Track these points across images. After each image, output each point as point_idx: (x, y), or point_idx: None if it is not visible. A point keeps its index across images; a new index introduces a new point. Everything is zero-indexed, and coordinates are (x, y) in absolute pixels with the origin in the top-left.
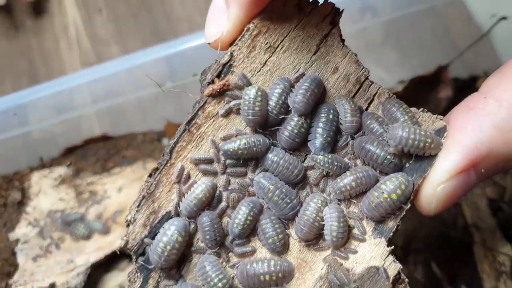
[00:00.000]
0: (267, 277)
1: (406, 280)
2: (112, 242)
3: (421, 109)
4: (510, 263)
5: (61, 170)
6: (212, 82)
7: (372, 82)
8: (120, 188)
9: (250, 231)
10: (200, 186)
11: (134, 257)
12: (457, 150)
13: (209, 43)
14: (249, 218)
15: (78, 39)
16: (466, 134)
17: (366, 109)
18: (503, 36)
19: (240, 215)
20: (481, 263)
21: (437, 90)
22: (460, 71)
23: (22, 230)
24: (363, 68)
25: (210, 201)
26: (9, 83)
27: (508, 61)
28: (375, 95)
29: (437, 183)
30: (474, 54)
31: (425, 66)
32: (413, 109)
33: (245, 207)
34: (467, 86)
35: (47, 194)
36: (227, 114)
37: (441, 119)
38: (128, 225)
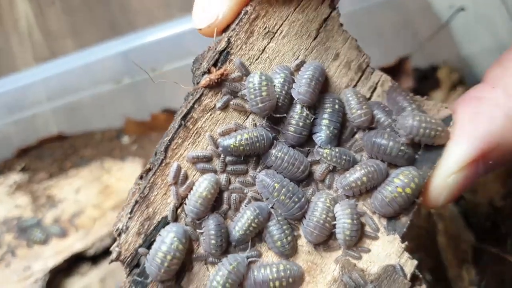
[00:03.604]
0: (277, 283)
1: (421, 276)
2: (71, 245)
3: (425, 97)
4: (471, 251)
5: (16, 177)
6: (209, 71)
7: (374, 70)
8: (78, 190)
9: (250, 237)
10: (203, 183)
11: (127, 269)
12: (469, 139)
13: (199, 29)
14: (252, 225)
15: (30, 34)
16: (478, 124)
17: (369, 98)
18: (461, 26)
19: (243, 220)
20: (445, 251)
21: (399, 81)
22: (420, 61)
23: None
24: (364, 54)
25: (216, 198)
26: None
27: (508, 51)
28: (377, 83)
29: (448, 174)
30: (434, 45)
31: (386, 58)
32: (418, 97)
33: (250, 212)
34: (427, 76)
35: (3, 202)
36: (225, 106)
37: (446, 107)
38: (119, 234)
